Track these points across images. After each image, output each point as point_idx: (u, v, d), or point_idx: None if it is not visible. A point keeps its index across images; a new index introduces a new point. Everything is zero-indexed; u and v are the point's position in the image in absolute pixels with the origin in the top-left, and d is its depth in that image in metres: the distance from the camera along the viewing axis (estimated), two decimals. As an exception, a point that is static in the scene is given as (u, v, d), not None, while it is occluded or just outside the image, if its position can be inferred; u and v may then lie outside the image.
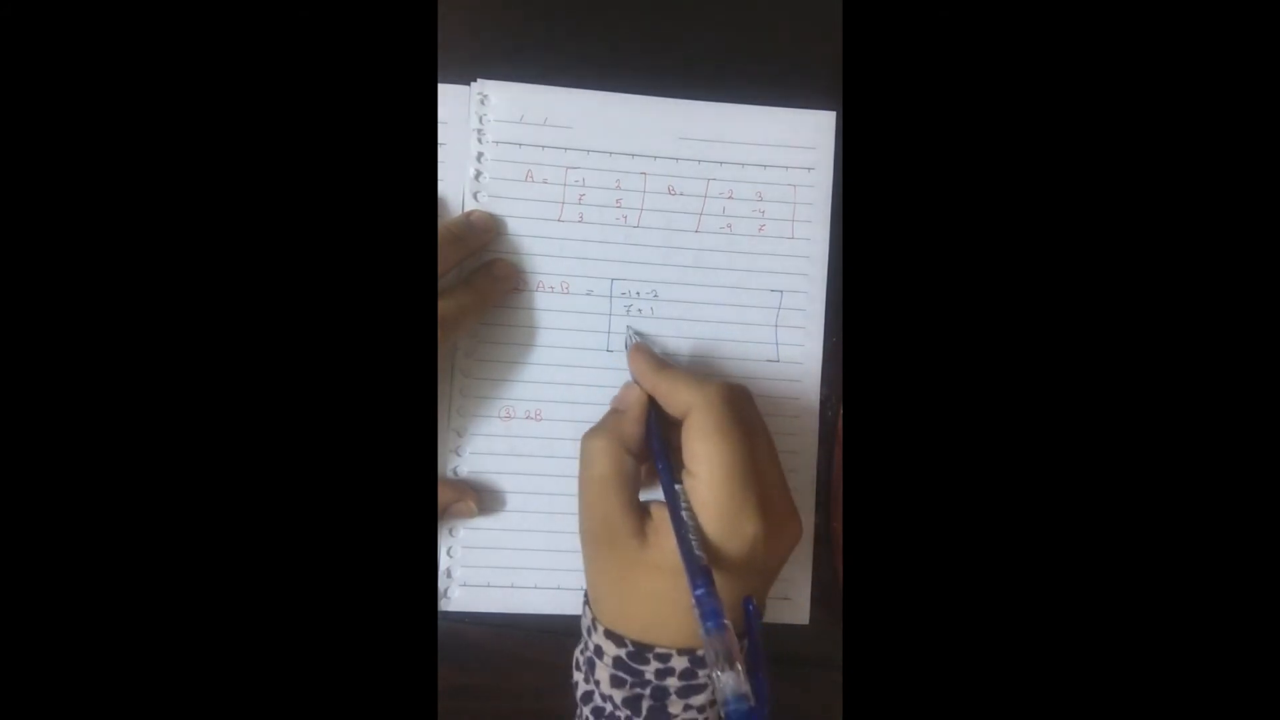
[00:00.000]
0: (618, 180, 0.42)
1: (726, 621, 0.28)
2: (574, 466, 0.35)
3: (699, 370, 0.42)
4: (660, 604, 0.32)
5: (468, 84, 0.42)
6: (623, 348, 0.42)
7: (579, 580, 0.42)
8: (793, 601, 0.43)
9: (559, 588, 0.42)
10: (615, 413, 0.36)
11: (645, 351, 0.39)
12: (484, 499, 0.41)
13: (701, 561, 0.29)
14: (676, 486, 0.32)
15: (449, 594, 0.41)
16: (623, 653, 0.33)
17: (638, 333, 0.42)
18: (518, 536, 0.42)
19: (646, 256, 0.42)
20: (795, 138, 0.43)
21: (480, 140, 0.42)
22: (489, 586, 0.42)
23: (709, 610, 0.28)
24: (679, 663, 0.32)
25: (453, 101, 0.42)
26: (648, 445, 0.35)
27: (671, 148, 0.42)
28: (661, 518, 0.32)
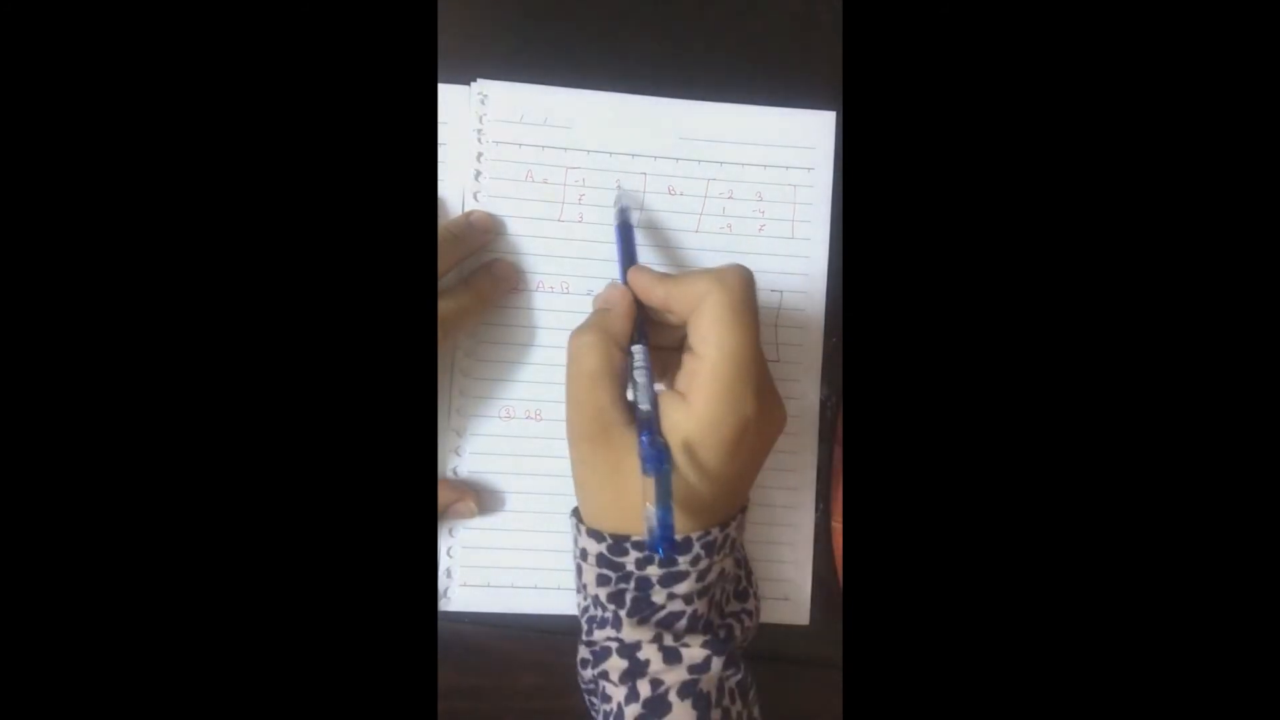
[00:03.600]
0: (618, 180, 0.42)
1: (666, 467, 0.30)
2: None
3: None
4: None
5: (468, 84, 0.42)
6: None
7: (579, 580, 0.42)
8: (793, 601, 0.43)
9: (559, 588, 0.42)
10: (602, 311, 0.36)
11: (645, 269, 0.37)
12: (484, 499, 0.41)
13: (649, 415, 0.32)
14: (638, 346, 0.34)
15: (449, 594, 0.41)
16: (604, 548, 0.34)
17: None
18: (518, 536, 0.42)
19: (647, 257, 0.42)
20: (795, 138, 0.43)
21: (480, 140, 0.42)
22: (489, 586, 0.42)
23: (650, 455, 0.30)
24: None
25: (453, 101, 0.42)
26: (636, 338, 0.35)
27: (671, 148, 0.42)
28: None
